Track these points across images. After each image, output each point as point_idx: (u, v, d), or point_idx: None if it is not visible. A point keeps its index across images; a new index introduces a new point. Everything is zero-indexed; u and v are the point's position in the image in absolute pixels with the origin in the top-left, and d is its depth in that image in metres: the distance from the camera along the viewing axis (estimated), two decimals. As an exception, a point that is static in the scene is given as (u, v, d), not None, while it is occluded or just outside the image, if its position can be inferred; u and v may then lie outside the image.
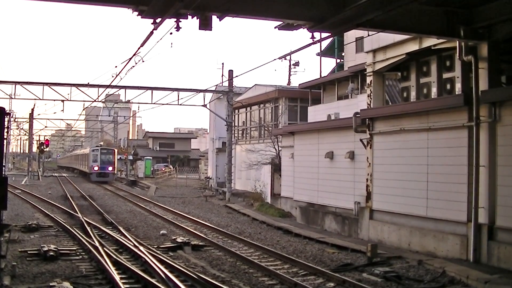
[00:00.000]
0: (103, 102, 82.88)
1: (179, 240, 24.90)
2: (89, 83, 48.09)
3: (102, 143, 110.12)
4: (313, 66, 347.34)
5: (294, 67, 77.44)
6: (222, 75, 76.62)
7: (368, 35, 24.74)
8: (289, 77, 76.46)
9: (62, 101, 50.70)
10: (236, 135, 59.83)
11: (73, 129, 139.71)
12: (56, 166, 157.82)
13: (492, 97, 20.77)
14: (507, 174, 20.07)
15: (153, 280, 16.90)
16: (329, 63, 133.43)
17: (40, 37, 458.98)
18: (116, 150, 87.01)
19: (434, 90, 24.85)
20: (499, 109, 20.44)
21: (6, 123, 14.99)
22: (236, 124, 60.38)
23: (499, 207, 20.36)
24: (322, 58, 62.54)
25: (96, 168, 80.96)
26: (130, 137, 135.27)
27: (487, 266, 19.92)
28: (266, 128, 52.80)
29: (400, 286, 17.74)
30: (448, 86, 24.10)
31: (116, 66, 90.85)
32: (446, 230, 22.63)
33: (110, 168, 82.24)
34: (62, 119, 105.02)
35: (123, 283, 16.44)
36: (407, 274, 19.37)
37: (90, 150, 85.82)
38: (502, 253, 19.89)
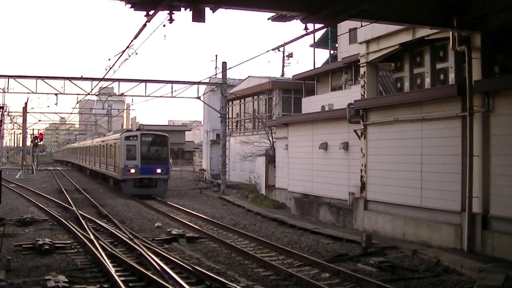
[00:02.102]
0: (96, 95, 76.75)
1: (174, 232, 24.92)
2: (83, 76, 47.93)
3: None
4: (307, 57, 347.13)
5: (288, 59, 77.35)
6: (216, 67, 76.28)
7: (362, 26, 24.71)
8: (282, 69, 76.41)
9: (56, 94, 50.51)
10: (230, 127, 59.78)
11: (67, 122, 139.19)
12: (52, 160, 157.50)
13: (485, 87, 20.80)
14: (500, 163, 20.13)
15: (148, 273, 16.92)
16: (323, 54, 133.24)
17: (33, 30, 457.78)
18: (169, 137, 49.53)
19: (427, 81, 24.87)
20: (493, 99, 20.48)
21: (-1, 117, 14.60)
22: (230, 116, 60.35)
23: (492, 196, 20.42)
24: (316, 49, 62.42)
25: (133, 171, 45.23)
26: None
27: (481, 255, 19.99)
28: (260, 120, 52.82)
29: (395, 276, 17.77)
30: (442, 77, 24.12)
31: (109, 59, 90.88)
32: (440, 220, 22.69)
33: (160, 170, 46.09)
34: (55, 113, 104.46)
35: (119, 275, 16.44)
36: (401, 264, 19.43)
37: (123, 137, 47.10)
38: (496, 242, 19.96)
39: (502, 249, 19.57)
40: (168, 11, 15.94)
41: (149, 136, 47.56)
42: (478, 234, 20.68)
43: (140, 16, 16.54)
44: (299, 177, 35.77)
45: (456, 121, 22.03)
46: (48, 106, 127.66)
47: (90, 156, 68.10)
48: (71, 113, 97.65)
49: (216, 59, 73.84)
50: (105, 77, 39.65)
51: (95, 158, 62.98)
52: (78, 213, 30.25)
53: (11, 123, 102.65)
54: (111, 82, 52.38)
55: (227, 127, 54.41)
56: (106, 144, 54.57)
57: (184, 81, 51.83)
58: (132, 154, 45.74)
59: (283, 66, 76.67)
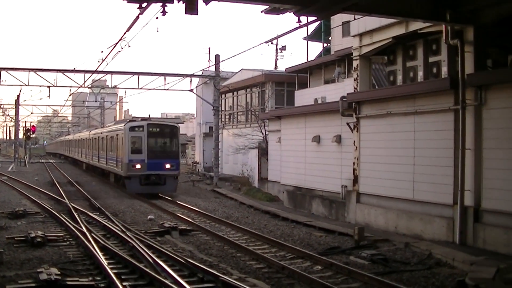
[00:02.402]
0: (89, 87, 72.44)
1: (166, 225, 24.91)
2: (75, 69, 47.80)
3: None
4: (300, 50, 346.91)
5: (281, 52, 77.39)
6: (209, 59, 76.58)
7: (355, 19, 24.79)
8: (275, 62, 76.40)
9: (48, 87, 50.28)
10: (223, 119, 59.81)
11: (59, 115, 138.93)
12: (45, 152, 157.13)
13: (478, 80, 20.84)
14: (492, 157, 20.18)
15: (141, 265, 16.90)
16: (316, 48, 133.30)
17: (25, 23, 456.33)
18: (179, 127, 45.09)
19: (420, 74, 24.91)
20: (485, 92, 20.52)
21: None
22: (223, 109, 60.35)
23: (484, 189, 20.48)
24: (309, 42, 62.43)
25: (139, 167, 40.14)
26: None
27: (473, 248, 20.07)
28: (253, 113, 52.83)
29: (387, 269, 17.80)
30: (435, 70, 24.15)
31: (102, 51, 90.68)
32: (433, 213, 22.76)
33: (169, 166, 40.89)
34: (48, 105, 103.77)
35: (111, 268, 16.41)
36: (394, 257, 19.47)
37: (127, 128, 41.58)
38: (487, 235, 20.04)
39: (494, 242, 19.65)
40: (161, 3, 15.91)
41: (157, 127, 42.00)
42: (470, 227, 20.75)
43: (133, 8, 16.54)
44: (292, 170, 35.83)
45: (449, 114, 22.08)
46: (40, 99, 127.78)
47: (87, 149, 62.49)
48: (64, 106, 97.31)
49: (209, 51, 74.24)
50: (98, 69, 39.51)
51: (93, 152, 57.81)
52: (70, 206, 30.20)
53: (3, 115, 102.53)
54: (104, 74, 52.20)
55: (220, 120, 54.36)
56: (107, 136, 49.40)
57: (177, 74, 51.74)
58: (137, 147, 40.54)
59: (276, 59, 76.68)
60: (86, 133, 67.03)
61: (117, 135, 43.75)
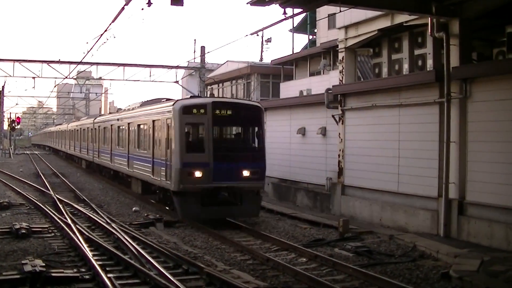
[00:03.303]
0: (74, 78, 72.27)
1: (151, 216, 24.88)
2: (60, 60, 47.75)
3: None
4: (286, 42, 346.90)
5: (267, 43, 77.37)
6: (194, 51, 76.31)
7: (340, 11, 24.76)
8: (261, 53, 76.30)
9: (33, 78, 50.26)
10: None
11: (44, 106, 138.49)
12: (30, 144, 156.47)
13: (463, 73, 20.90)
14: (477, 149, 20.26)
15: (125, 257, 16.90)
16: (302, 40, 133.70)
17: (10, 13, 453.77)
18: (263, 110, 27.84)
19: (405, 67, 24.96)
20: (470, 85, 20.59)
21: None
22: (209, 101, 60.01)
23: (469, 182, 20.57)
24: (295, 34, 62.38)
25: (200, 175, 24.38)
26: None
27: (457, 241, 20.17)
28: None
29: (371, 261, 17.88)
30: (420, 63, 24.21)
31: (87, 43, 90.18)
32: (417, 205, 22.84)
33: (249, 172, 25.17)
34: (33, 96, 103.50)
35: (96, 260, 16.38)
36: (378, 249, 19.55)
37: (177, 109, 25.09)
38: (471, 227, 20.13)
39: (478, 235, 19.76)
40: (146, -5, 15.88)
41: (229, 107, 25.78)
42: (454, 220, 20.84)
43: (118, -1, 16.47)
44: (277, 162, 35.81)
45: (434, 107, 22.14)
46: (25, 90, 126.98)
47: (92, 143, 49.35)
48: (49, 97, 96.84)
49: (195, 43, 74.02)
50: (83, 60, 39.50)
51: (102, 146, 44.31)
52: (55, 197, 30.09)
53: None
54: (89, 65, 52.12)
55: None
56: (131, 124, 34.34)
57: (163, 65, 51.72)
58: (196, 142, 25.88)
59: (262, 51, 76.60)
60: (89, 121, 53.98)
61: (154, 122, 28.61)
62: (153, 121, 28.67)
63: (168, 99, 31.46)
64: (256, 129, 26.49)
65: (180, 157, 24.42)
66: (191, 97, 31.42)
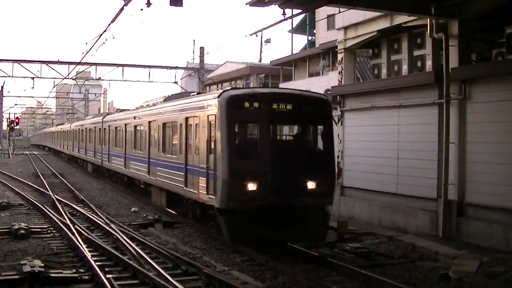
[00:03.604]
0: (73, 79, 68.44)
1: (150, 217, 24.87)
2: (60, 60, 47.75)
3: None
4: (285, 43, 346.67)
5: (266, 44, 77.42)
6: (193, 51, 76.31)
7: (339, 12, 24.78)
8: (260, 54, 76.38)
9: (32, 78, 50.26)
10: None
11: (43, 106, 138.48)
12: (29, 144, 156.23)
13: (462, 74, 20.91)
14: (476, 150, 20.27)
15: (124, 257, 16.89)
16: (301, 40, 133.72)
17: (9, 13, 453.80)
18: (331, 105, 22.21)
19: (405, 68, 24.94)
20: (469, 86, 20.60)
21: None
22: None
23: (468, 183, 20.57)
24: (294, 35, 62.47)
25: (254, 188, 18.65)
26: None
27: (456, 242, 20.16)
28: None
29: (370, 262, 17.87)
30: (419, 64, 24.19)
31: (86, 43, 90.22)
32: (417, 206, 22.82)
33: (315, 185, 19.21)
34: (32, 97, 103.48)
35: (95, 260, 16.39)
36: (377, 250, 19.52)
37: (223, 102, 19.29)
38: (471, 228, 20.13)
39: (477, 236, 19.75)
40: (145, -5, 15.89)
41: (290, 101, 20.03)
42: (454, 221, 20.83)
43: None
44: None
45: (433, 108, 22.14)
46: (24, 90, 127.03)
47: (102, 145, 43.85)
48: (48, 97, 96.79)
49: (194, 44, 74.02)
50: (82, 61, 39.46)
51: (114, 149, 39.23)
52: (54, 198, 30.08)
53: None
54: (88, 66, 52.13)
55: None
56: (152, 122, 29.32)
57: (162, 66, 51.76)
58: (249, 145, 20.10)
59: (261, 52, 76.68)
60: (96, 120, 49.52)
61: (188, 119, 23.01)
62: (186, 118, 23.09)
63: (199, 93, 27.49)
64: (323, 128, 20.58)
65: (229, 164, 18.86)
66: (232, 88, 25.05)
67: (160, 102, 30.68)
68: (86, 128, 53.17)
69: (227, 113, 19.13)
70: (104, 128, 43.18)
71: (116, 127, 39.08)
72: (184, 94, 29.79)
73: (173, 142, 25.70)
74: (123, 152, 35.55)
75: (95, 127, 47.67)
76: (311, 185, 19.18)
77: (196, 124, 21.87)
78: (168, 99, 30.04)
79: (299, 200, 18.95)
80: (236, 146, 19.34)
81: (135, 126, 33.20)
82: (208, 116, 20.39)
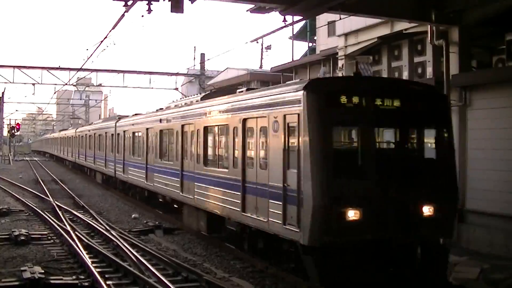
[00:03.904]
0: (74, 85, 69.61)
1: (150, 223, 24.85)
2: (60, 66, 47.84)
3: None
4: (285, 49, 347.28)
5: (266, 51, 77.35)
6: (194, 58, 76.36)
7: (340, 19, 24.81)
8: (261, 61, 76.32)
9: (33, 84, 50.34)
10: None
11: (44, 113, 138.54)
12: (29, 150, 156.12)
13: (462, 81, 20.91)
14: (477, 157, 20.26)
15: (125, 264, 16.87)
16: (301, 47, 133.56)
17: (10, 19, 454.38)
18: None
19: (405, 74, 24.97)
20: (470, 93, 20.61)
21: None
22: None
23: (469, 190, 20.55)
24: (294, 41, 62.36)
25: (356, 217, 13.65)
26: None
27: (457, 248, 20.08)
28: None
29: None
30: (419, 70, 24.24)
31: (87, 49, 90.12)
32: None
33: (432, 209, 14.37)
34: (33, 103, 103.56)
35: (95, 267, 16.37)
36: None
37: (311, 96, 14.00)
38: (471, 235, 20.11)
39: (477, 242, 19.73)
40: (146, 1, 15.92)
41: (396, 94, 14.84)
42: (455, 228, 20.78)
43: (118, 6, 16.49)
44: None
45: (433, 114, 22.10)
46: (25, 96, 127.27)
47: (115, 153, 38.43)
48: (49, 103, 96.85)
49: (195, 50, 74.03)
50: (83, 67, 39.46)
51: (131, 158, 33.74)
52: (54, 204, 30.06)
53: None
54: (89, 72, 52.24)
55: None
56: (186, 126, 23.93)
57: (162, 72, 51.90)
58: (348, 159, 14.88)
59: (262, 58, 76.63)
60: (107, 125, 43.41)
61: (246, 121, 17.72)
62: (244, 120, 17.69)
63: (249, 89, 21.14)
64: (441, 131, 15.65)
65: (325, 184, 13.73)
66: (318, 79, 21.30)
67: (197, 101, 24.77)
68: (94, 134, 47.74)
69: (320, 112, 14.06)
70: (118, 134, 37.67)
71: (133, 132, 33.79)
72: (222, 90, 25.09)
73: (221, 152, 20.53)
74: (143, 162, 30.42)
75: (106, 133, 42.25)
76: (427, 210, 14.50)
77: (261, 128, 16.56)
78: (207, 96, 24.83)
79: (415, 232, 14.44)
80: (334, 159, 14.03)
81: (161, 131, 27.74)
82: (285, 116, 15.12)
